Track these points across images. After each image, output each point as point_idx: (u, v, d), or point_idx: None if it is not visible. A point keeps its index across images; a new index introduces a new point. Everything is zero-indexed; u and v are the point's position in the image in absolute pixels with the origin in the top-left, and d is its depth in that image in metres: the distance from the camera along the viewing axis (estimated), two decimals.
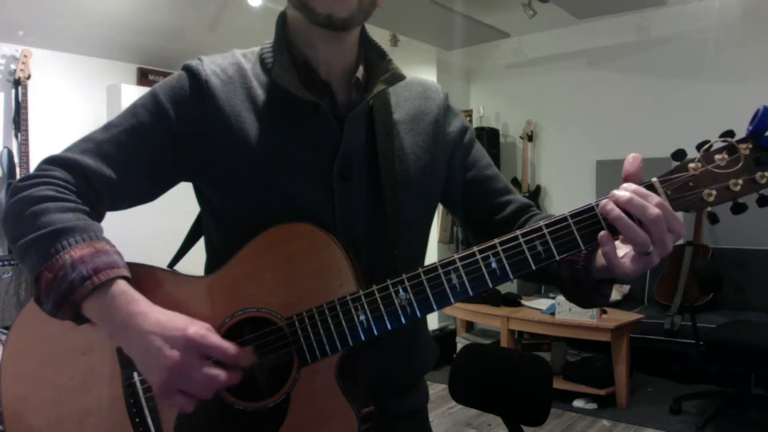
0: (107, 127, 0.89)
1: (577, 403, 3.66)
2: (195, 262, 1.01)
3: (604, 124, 4.84)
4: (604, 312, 3.71)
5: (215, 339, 0.75)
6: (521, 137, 5.17)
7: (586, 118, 4.93)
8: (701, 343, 3.36)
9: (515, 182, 5.22)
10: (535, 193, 5.13)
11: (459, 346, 4.53)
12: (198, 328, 0.75)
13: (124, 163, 0.86)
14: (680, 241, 4.23)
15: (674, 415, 3.44)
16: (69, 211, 0.80)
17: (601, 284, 0.84)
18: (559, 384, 3.64)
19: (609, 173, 4.76)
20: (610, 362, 3.61)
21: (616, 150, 4.75)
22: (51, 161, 0.85)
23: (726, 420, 3.37)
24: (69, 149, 0.87)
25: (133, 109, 0.89)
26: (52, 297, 0.76)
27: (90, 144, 0.87)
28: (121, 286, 0.77)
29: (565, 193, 5.07)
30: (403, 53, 4.80)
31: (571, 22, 4.66)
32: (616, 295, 4.27)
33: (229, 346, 0.76)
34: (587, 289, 0.85)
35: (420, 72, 5.18)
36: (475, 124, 5.36)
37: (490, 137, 5.17)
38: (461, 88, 5.57)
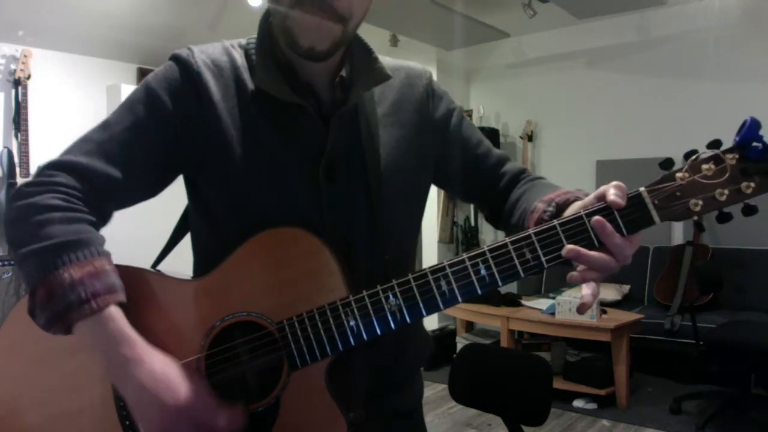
0: (105, 125, 0.87)
1: (577, 403, 3.66)
2: (180, 261, 1.01)
3: (604, 124, 4.84)
4: (604, 312, 3.71)
5: (207, 414, 0.75)
6: (521, 137, 5.17)
7: (586, 118, 4.93)
8: (701, 343, 3.36)
9: None
10: None
11: (459, 346, 4.53)
12: (190, 402, 0.75)
13: (127, 161, 0.85)
14: (680, 241, 4.24)
15: (674, 415, 3.44)
16: (74, 221, 0.79)
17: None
18: (559, 384, 3.64)
19: (609, 173, 4.75)
20: (610, 362, 3.61)
21: (616, 150, 4.76)
22: (54, 166, 0.83)
23: (726, 420, 3.36)
24: (70, 152, 0.85)
25: (129, 105, 0.87)
26: (46, 313, 0.75)
27: (90, 145, 0.85)
28: (116, 316, 0.77)
29: None
30: (403, 53, 4.80)
31: (571, 22, 4.65)
32: (616, 295, 4.27)
33: (219, 423, 0.75)
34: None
35: None
36: (475, 124, 5.35)
37: (490, 137, 5.10)
38: (461, 88, 5.57)
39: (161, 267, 0.99)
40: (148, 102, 0.87)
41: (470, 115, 5.38)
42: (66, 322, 0.75)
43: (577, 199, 0.83)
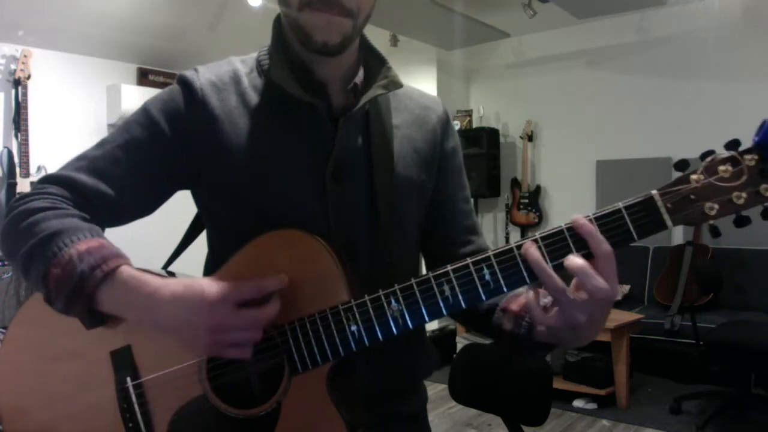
0: (101, 144, 0.88)
1: (577, 403, 3.66)
2: (192, 262, 1.01)
3: (604, 124, 4.84)
4: None
5: (234, 289, 0.75)
6: (521, 137, 5.17)
7: (586, 118, 4.93)
8: (701, 343, 3.36)
9: (515, 182, 5.22)
10: (535, 193, 5.13)
11: (459, 346, 4.53)
12: (215, 288, 0.74)
13: (120, 179, 0.86)
14: (680, 241, 4.23)
15: (674, 415, 3.44)
16: (68, 216, 0.80)
17: (538, 347, 0.84)
18: (559, 384, 3.64)
19: (609, 173, 4.76)
20: (610, 362, 3.61)
21: (616, 150, 4.76)
22: (46, 180, 0.85)
23: (726, 420, 3.37)
24: (63, 168, 0.87)
25: (126, 125, 0.89)
26: (63, 292, 0.75)
27: (84, 161, 0.86)
28: (130, 270, 0.77)
29: (565, 193, 5.07)
30: (403, 53, 4.80)
31: (571, 22, 4.65)
32: None
33: (252, 285, 0.75)
34: (523, 348, 0.86)
35: (420, 72, 5.18)
36: (475, 124, 5.36)
37: (490, 137, 5.16)
38: (461, 88, 5.56)
39: (171, 268, 1.00)
40: (144, 122, 0.88)
41: (470, 115, 5.38)
42: (84, 295, 0.74)
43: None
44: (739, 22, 4.23)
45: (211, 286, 0.74)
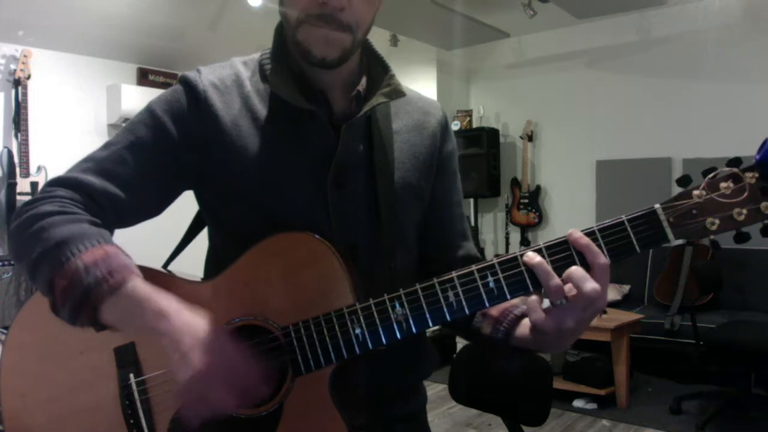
0: (107, 145, 0.89)
1: (577, 403, 3.66)
2: (193, 261, 1.01)
3: (604, 124, 4.84)
4: (604, 312, 3.71)
5: (240, 359, 0.75)
6: (521, 137, 5.17)
7: (586, 118, 4.93)
8: (701, 343, 3.37)
9: (515, 182, 5.22)
10: (535, 193, 5.13)
11: (459, 346, 4.53)
12: (227, 348, 0.74)
13: (127, 180, 0.86)
14: (680, 241, 4.24)
15: (674, 415, 3.44)
16: (76, 222, 0.79)
17: (513, 353, 0.86)
18: (559, 384, 3.64)
19: (609, 173, 4.76)
20: (610, 362, 3.61)
21: (616, 150, 4.76)
22: (54, 183, 0.85)
23: (726, 420, 3.37)
24: (70, 170, 0.87)
25: (131, 126, 0.89)
26: (68, 303, 0.75)
27: (90, 163, 0.87)
28: (139, 285, 0.76)
29: (565, 193, 5.07)
30: (403, 53, 4.80)
31: (571, 22, 4.66)
32: (615, 295, 4.27)
33: (252, 374, 0.75)
34: (499, 352, 0.88)
35: (420, 72, 5.17)
36: (475, 124, 5.36)
37: (490, 137, 5.16)
38: (461, 88, 5.56)
39: (172, 267, 1.00)
40: (149, 123, 0.88)
41: (470, 115, 5.37)
42: (89, 307, 0.74)
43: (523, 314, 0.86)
44: (739, 22, 4.23)
45: (226, 343, 0.74)
